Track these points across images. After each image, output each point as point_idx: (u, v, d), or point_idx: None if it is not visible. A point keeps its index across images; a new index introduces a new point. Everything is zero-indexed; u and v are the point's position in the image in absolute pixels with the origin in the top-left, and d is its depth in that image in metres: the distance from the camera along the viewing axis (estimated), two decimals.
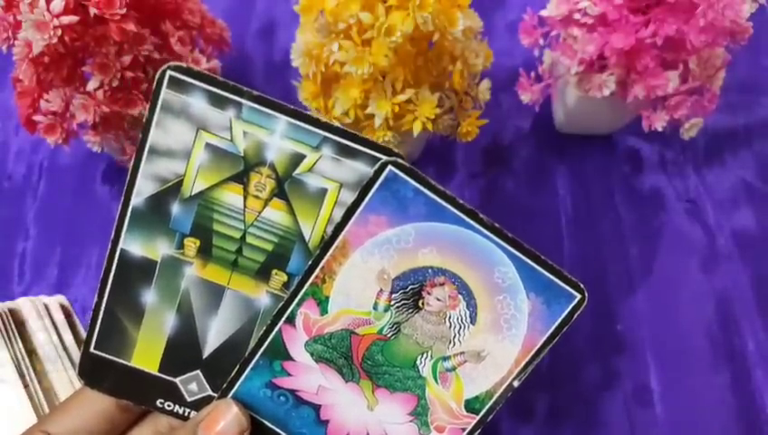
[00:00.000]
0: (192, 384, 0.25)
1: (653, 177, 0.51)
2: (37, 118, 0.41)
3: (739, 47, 0.42)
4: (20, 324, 0.40)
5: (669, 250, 0.48)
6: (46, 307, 0.41)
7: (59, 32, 0.34)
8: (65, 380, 0.40)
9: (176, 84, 0.22)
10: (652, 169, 0.52)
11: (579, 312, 0.24)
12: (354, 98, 0.38)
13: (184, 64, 0.22)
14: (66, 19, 0.34)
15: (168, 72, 0.22)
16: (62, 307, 0.41)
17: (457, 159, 0.52)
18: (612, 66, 0.42)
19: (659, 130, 0.44)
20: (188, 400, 0.25)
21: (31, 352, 0.40)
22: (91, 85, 0.40)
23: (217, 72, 0.47)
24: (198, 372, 0.25)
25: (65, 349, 0.41)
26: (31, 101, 0.41)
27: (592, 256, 0.48)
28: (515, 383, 0.25)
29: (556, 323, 0.24)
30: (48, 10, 0.34)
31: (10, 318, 0.39)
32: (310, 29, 0.38)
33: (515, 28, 0.46)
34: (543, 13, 0.43)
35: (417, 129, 0.39)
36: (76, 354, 0.41)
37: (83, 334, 0.43)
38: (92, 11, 0.35)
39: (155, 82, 0.22)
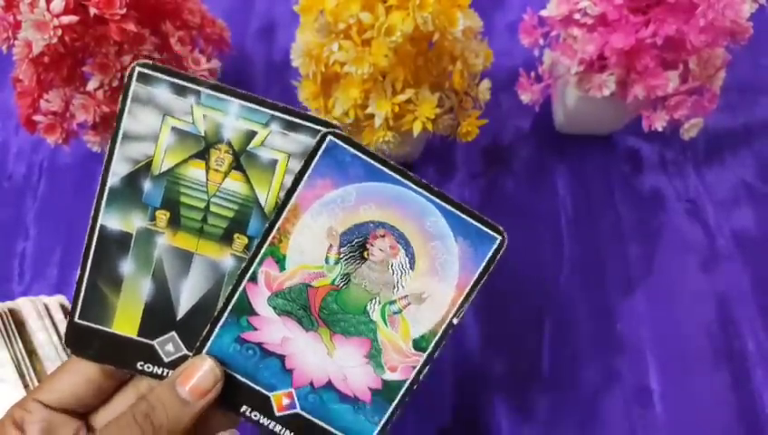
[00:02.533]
0: (168, 345, 0.27)
1: (653, 177, 0.51)
2: (37, 118, 0.41)
3: (739, 47, 0.42)
4: (20, 324, 0.40)
5: (669, 250, 0.48)
6: (46, 307, 0.41)
7: (59, 32, 0.34)
8: None
9: (143, 78, 0.26)
10: (652, 169, 0.52)
11: (501, 252, 0.27)
12: (354, 98, 0.38)
13: (149, 61, 0.26)
14: (66, 19, 0.34)
15: (137, 68, 0.25)
16: (62, 307, 0.41)
17: (457, 159, 0.52)
18: (612, 66, 0.42)
19: (659, 130, 0.44)
20: (166, 360, 0.27)
21: (31, 352, 0.40)
22: (91, 85, 0.40)
23: (217, 72, 0.47)
24: (174, 333, 0.27)
25: (65, 349, 0.41)
26: (31, 101, 0.41)
27: (592, 256, 0.48)
28: (455, 321, 0.27)
29: (483, 263, 0.27)
30: (48, 10, 0.34)
31: (10, 318, 0.39)
32: (310, 29, 0.38)
33: (515, 28, 0.46)
34: (543, 13, 0.43)
35: (417, 129, 0.39)
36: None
37: None
38: (92, 11, 0.35)
39: (126, 78, 0.26)
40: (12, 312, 0.40)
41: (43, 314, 0.41)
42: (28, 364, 0.39)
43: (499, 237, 0.27)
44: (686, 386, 0.43)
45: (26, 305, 0.40)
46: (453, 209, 0.26)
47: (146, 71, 0.26)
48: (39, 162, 0.53)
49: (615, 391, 0.43)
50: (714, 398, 0.43)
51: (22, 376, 0.39)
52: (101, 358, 0.27)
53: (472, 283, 0.27)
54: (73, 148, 0.46)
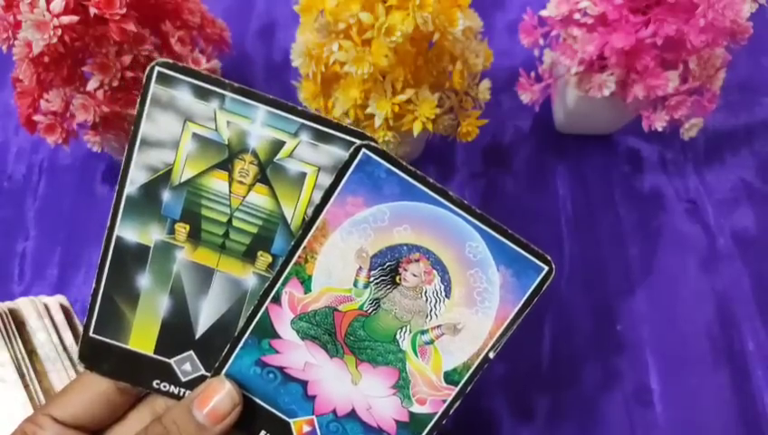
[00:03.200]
0: (186, 365, 0.26)
1: (653, 177, 0.51)
2: (37, 118, 0.41)
3: (739, 47, 0.42)
4: (20, 324, 0.40)
5: (669, 250, 0.48)
6: (46, 307, 0.41)
7: (59, 32, 0.34)
8: (65, 380, 0.40)
9: (163, 79, 0.24)
10: (652, 169, 0.52)
11: (548, 283, 0.25)
12: (354, 98, 0.38)
13: (171, 60, 0.24)
14: (66, 19, 0.34)
15: (157, 69, 0.24)
16: (62, 307, 0.41)
17: (457, 159, 0.52)
18: (612, 66, 0.42)
19: (659, 130, 0.44)
20: (183, 380, 0.26)
21: (31, 352, 0.40)
22: (90, 85, 0.40)
23: (217, 72, 0.47)
24: (191, 352, 0.26)
25: (65, 349, 0.41)
26: (31, 101, 0.41)
27: (592, 256, 0.48)
28: (491, 355, 0.25)
29: (527, 295, 0.25)
30: (48, 10, 0.34)
31: (10, 318, 0.39)
32: (310, 29, 0.38)
33: (515, 28, 0.46)
34: (543, 13, 0.43)
35: (417, 129, 0.39)
36: (76, 354, 0.41)
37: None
38: (92, 11, 0.35)
39: (144, 78, 0.24)
40: (12, 312, 0.40)
41: (43, 314, 0.41)
42: (28, 364, 0.39)
43: (546, 267, 0.25)
44: (686, 386, 0.43)
45: (26, 305, 0.40)
46: (496, 234, 0.25)
47: (166, 71, 0.24)
48: (39, 162, 0.53)
49: (615, 391, 0.43)
50: (714, 398, 0.43)
51: (22, 376, 0.39)
52: (116, 374, 0.26)
53: (513, 315, 0.25)
54: (73, 148, 0.46)
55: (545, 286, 0.25)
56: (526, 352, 0.45)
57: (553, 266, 0.24)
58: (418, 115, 0.39)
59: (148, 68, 0.24)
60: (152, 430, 0.24)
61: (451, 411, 0.26)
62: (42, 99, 0.40)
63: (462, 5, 0.38)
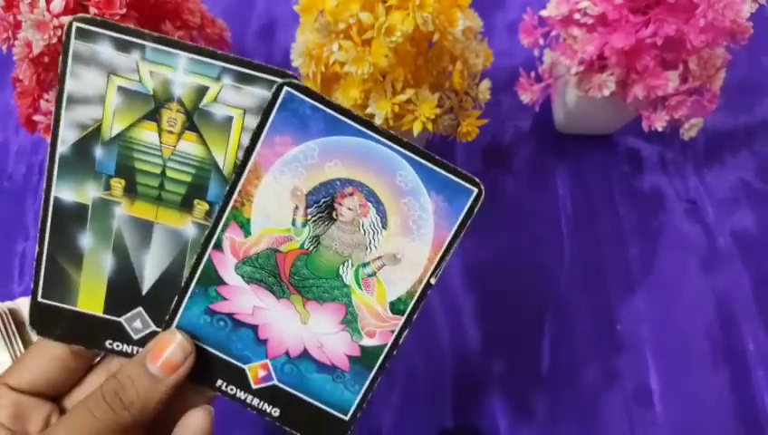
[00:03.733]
0: (136, 322, 0.26)
1: (653, 177, 0.51)
2: (37, 118, 0.41)
3: (739, 47, 0.42)
4: (20, 324, 0.40)
5: (669, 250, 0.48)
6: None
7: (59, 32, 0.34)
8: None
9: (83, 34, 0.24)
10: (652, 169, 0.52)
11: (478, 205, 0.25)
12: (354, 98, 0.38)
13: (88, 15, 0.24)
14: (66, 19, 0.34)
15: (75, 24, 0.23)
16: None
17: (457, 159, 0.52)
18: (612, 66, 0.42)
19: (659, 130, 0.44)
20: (135, 337, 0.26)
21: None
22: None
23: None
24: (140, 308, 0.26)
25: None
26: (31, 101, 0.41)
27: (592, 256, 0.48)
28: (432, 281, 0.26)
29: (459, 218, 0.25)
30: (48, 10, 0.34)
31: (10, 318, 0.39)
32: (310, 29, 0.38)
33: (515, 28, 0.46)
34: (543, 13, 0.43)
35: (417, 129, 0.39)
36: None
37: None
38: (92, 11, 0.35)
39: (64, 35, 0.24)
40: (12, 312, 0.40)
41: None
42: None
43: (475, 189, 0.25)
44: (686, 386, 0.43)
45: (26, 305, 0.40)
46: (425, 162, 0.25)
47: (85, 26, 0.23)
48: (39, 162, 0.53)
49: (615, 391, 0.43)
50: (714, 398, 0.43)
51: None
52: (68, 338, 0.26)
53: (449, 240, 0.25)
54: None
55: (476, 208, 0.25)
56: (526, 351, 0.45)
57: (482, 188, 0.25)
58: (418, 115, 0.39)
59: (65, 24, 0.23)
60: (107, 386, 0.24)
61: (400, 341, 0.26)
62: (42, 99, 0.40)
63: (462, 5, 0.38)
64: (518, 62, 0.49)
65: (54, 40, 0.34)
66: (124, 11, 0.35)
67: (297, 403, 0.27)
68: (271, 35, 0.59)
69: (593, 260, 0.48)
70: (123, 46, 0.24)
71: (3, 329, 0.38)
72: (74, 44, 0.24)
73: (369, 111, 0.39)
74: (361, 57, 0.36)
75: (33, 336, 0.40)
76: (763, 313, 0.45)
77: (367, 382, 0.27)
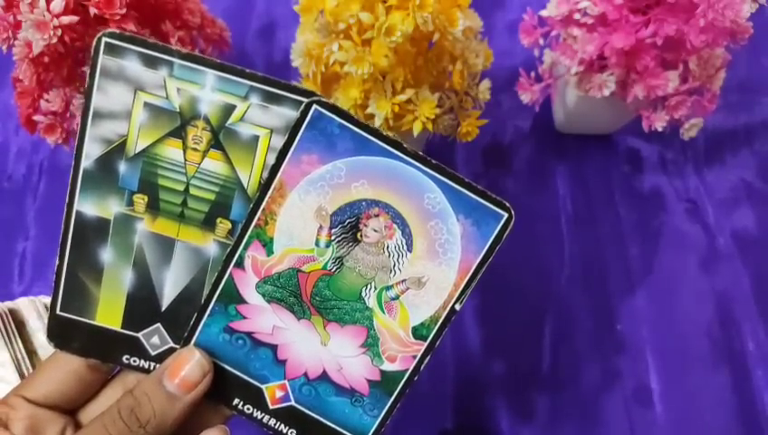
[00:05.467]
0: (154, 338, 0.26)
1: (653, 177, 0.51)
2: (37, 118, 0.41)
3: (739, 47, 0.42)
4: (20, 324, 0.40)
5: (669, 250, 0.48)
6: (46, 307, 0.41)
7: (59, 32, 0.34)
8: None
9: (111, 50, 0.24)
10: (652, 169, 0.52)
11: (508, 230, 0.24)
12: (354, 98, 0.38)
13: (117, 30, 0.24)
14: (66, 19, 0.34)
15: (104, 39, 0.24)
16: None
17: (457, 159, 0.52)
18: (612, 66, 0.42)
19: (659, 130, 0.44)
20: (152, 353, 0.26)
21: (31, 352, 0.40)
22: None
23: None
24: (159, 325, 0.26)
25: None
26: (31, 101, 0.41)
27: (592, 256, 0.48)
28: (457, 306, 0.25)
29: (488, 243, 0.25)
30: (48, 10, 0.34)
31: (10, 318, 0.39)
32: (310, 29, 0.38)
33: (515, 28, 0.46)
34: (543, 13, 0.43)
35: (417, 129, 0.39)
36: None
37: None
38: (92, 11, 0.35)
39: (92, 50, 0.24)
40: (12, 312, 0.40)
41: (43, 314, 0.41)
42: (28, 364, 0.39)
43: (505, 214, 0.24)
44: (686, 386, 0.43)
45: (26, 305, 0.40)
46: (453, 184, 0.24)
47: (114, 41, 0.23)
48: (39, 162, 0.53)
49: (615, 390, 0.43)
50: (714, 398, 0.43)
51: (22, 376, 0.39)
52: (86, 352, 0.26)
53: (476, 265, 0.25)
54: (73, 148, 0.46)
55: (506, 234, 0.25)
56: (526, 352, 0.45)
57: (512, 213, 0.24)
58: (418, 115, 0.39)
59: (95, 39, 0.23)
60: (123, 403, 0.23)
61: (422, 368, 0.26)
62: (42, 99, 0.40)
63: (462, 5, 0.38)
64: (518, 62, 0.49)
65: (54, 40, 0.34)
66: (124, 11, 0.35)
67: (314, 425, 0.26)
68: (271, 35, 0.59)
69: (593, 260, 0.48)
70: (151, 62, 0.24)
71: (3, 329, 0.38)
72: (102, 59, 0.24)
73: (369, 111, 0.39)
74: (361, 57, 0.36)
75: (34, 338, 0.40)
76: (763, 313, 0.45)
77: (386, 407, 0.26)
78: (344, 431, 0.26)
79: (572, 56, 0.42)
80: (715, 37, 0.39)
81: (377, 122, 0.39)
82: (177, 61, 0.24)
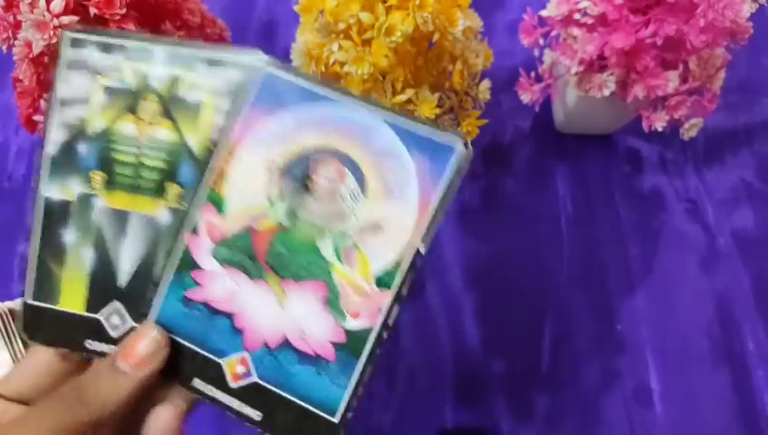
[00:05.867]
0: (114, 317, 0.25)
1: (653, 177, 0.51)
2: (37, 118, 0.41)
3: (739, 47, 0.42)
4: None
5: (669, 250, 0.48)
6: None
7: (59, 32, 0.34)
8: None
9: (75, 43, 0.26)
10: (652, 169, 0.52)
11: (465, 161, 0.23)
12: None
13: (80, 27, 0.26)
14: (66, 19, 0.34)
15: (67, 35, 0.26)
16: None
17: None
18: (612, 66, 0.42)
19: (659, 130, 0.44)
20: (113, 335, 0.25)
21: None
22: None
23: None
24: (117, 302, 0.25)
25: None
26: (31, 101, 0.41)
27: (592, 256, 0.48)
28: (421, 248, 0.23)
29: (446, 177, 0.23)
30: (48, 10, 0.34)
31: (10, 318, 0.39)
32: (310, 29, 0.38)
33: (515, 28, 0.46)
34: (543, 13, 0.43)
35: None
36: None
37: None
38: (92, 11, 0.35)
39: (59, 45, 0.26)
40: (12, 312, 0.40)
41: None
42: None
43: (459, 142, 0.23)
44: (686, 386, 0.43)
45: None
46: (402, 121, 0.23)
47: (76, 35, 0.25)
48: None
49: (615, 390, 0.43)
50: (714, 398, 0.43)
51: None
52: (53, 340, 0.25)
53: (437, 202, 0.23)
54: None
55: (463, 164, 0.23)
56: (526, 352, 0.45)
57: (468, 141, 0.23)
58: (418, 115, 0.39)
59: (59, 36, 0.26)
60: (68, 384, 0.22)
61: (390, 321, 0.23)
62: (42, 99, 0.40)
63: (462, 5, 0.38)
64: (518, 62, 0.49)
65: (54, 40, 0.34)
66: (124, 11, 0.35)
67: (280, 404, 0.24)
68: (271, 35, 0.59)
69: (593, 260, 0.48)
70: (109, 49, 0.25)
71: (3, 329, 0.38)
72: (66, 52, 0.26)
73: None
74: (361, 57, 0.36)
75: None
76: (763, 313, 0.45)
77: (355, 374, 0.24)
78: (313, 408, 0.24)
79: (572, 56, 0.42)
80: (715, 37, 0.39)
81: None
82: (131, 43, 0.25)
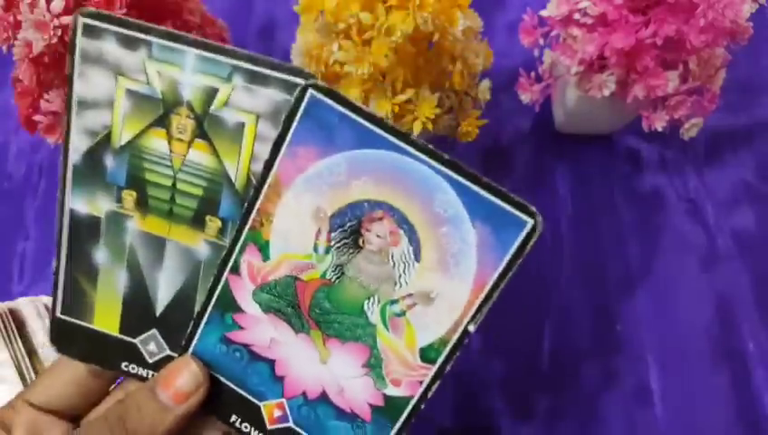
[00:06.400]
0: (151, 344, 0.25)
1: (653, 177, 0.51)
2: (37, 118, 0.41)
3: (739, 47, 0.42)
4: (20, 324, 0.40)
5: (669, 250, 0.48)
6: (46, 307, 0.41)
7: (59, 32, 0.34)
8: None
9: (90, 32, 0.22)
10: (652, 169, 0.52)
11: (533, 240, 0.21)
12: (354, 98, 0.38)
13: (94, 9, 0.22)
14: (66, 19, 0.34)
15: (81, 20, 0.22)
16: None
17: (457, 159, 0.52)
18: (612, 66, 0.42)
19: (659, 130, 0.44)
20: (149, 361, 0.25)
21: (31, 352, 0.40)
22: None
23: None
24: (155, 330, 0.25)
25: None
26: (31, 101, 0.41)
27: (592, 256, 0.48)
28: (471, 327, 0.22)
29: (509, 255, 0.21)
30: (48, 10, 0.34)
31: (10, 318, 0.39)
32: (310, 29, 0.38)
33: (515, 28, 0.46)
34: (543, 13, 0.43)
35: (417, 129, 0.39)
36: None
37: None
38: None
39: (70, 32, 0.22)
40: (12, 312, 0.40)
41: (43, 314, 0.41)
42: (28, 364, 0.39)
43: (530, 221, 0.21)
44: (686, 386, 0.43)
45: (26, 305, 0.40)
46: (470, 184, 0.21)
47: (91, 21, 0.22)
48: (39, 162, 0.53)
49: (615, 391, 0.43)
50: (714, 398, 0.43)
51: (22, 376, 0.39)
52: (86, 357, 0.25)
53: (493, 280, 0.21)
54: None
55: (530, 244, 0.21)
56: (526, 352, 0.45)
57: (539, 220, 0.21)
58: (418, 115, 0.39)
59: (72, 19, 0.22)
60: (112, 411, 0.23)
61: (429, 394, 0.23)
62: (42, 99, 0.40)
63: (462, 5, 0.38)
64: (518, 62, 0.49)
65: (54, 40, 0.34)
66: (124, 11, 0.35)
67: None
68: (271, 35, 0.59)
69: (593, 260, 0.48)
70: (129, 43, 0.22)
71: (3, 329, 0.38)
72: (81, 42, 0.22)
73: None
74: (361, 57, 0.36)
75: (34, 338, 0.40)
76: (763, 313, 0.45)
77: None
78: None
79: (572, 56, 0.42)
80: (715, 37, 0.39)
81: None
82: (155, 40, 0.22)
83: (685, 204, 0.50)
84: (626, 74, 0.42)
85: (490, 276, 0.21)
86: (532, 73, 0.47)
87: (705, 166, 0.52)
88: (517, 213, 0.21)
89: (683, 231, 0.49)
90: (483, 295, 0.22)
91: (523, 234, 0.21)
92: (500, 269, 0.21)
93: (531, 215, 0.21)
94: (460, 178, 0.21)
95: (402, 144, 0.21)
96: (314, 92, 0.21)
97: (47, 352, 0.40)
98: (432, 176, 0.21)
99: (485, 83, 0.42)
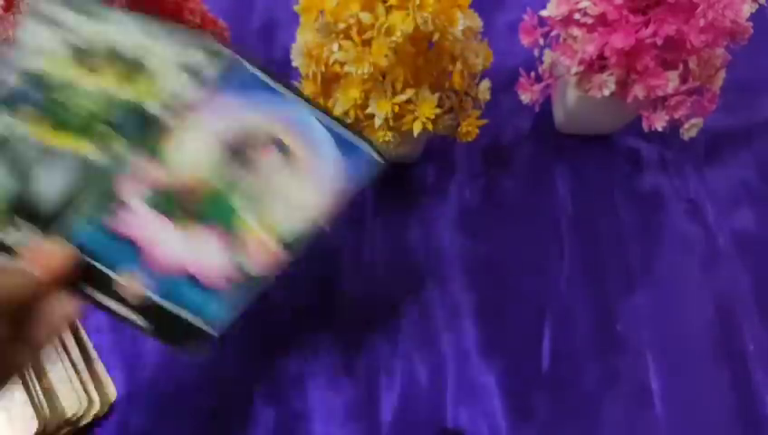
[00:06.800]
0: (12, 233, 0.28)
1: (653, 177, 0.51)
2: None
3: (739, 47, 0.42)
4: None
5: (669, 250, 0.48)
6: None
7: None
8: (65, 380, 0.40)
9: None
10: (652, 169, 0.52)
11: (376, 167, 0.29)
12: (354, 98, 0.38)
13: None
14: None
15: None
16: None
17: (457, 159, 0.52)
18: (612, 66, 0.42)
19: (659, 130, 0.44)
20: (10, 244, 0.28)
21: None
22: None
23: None
24: (16, 217, 0.28)
25: (65, 349, 0.41)
26: None
27: (592, 255, 0.48)
28: (324, 224, 0.29)
29: (357, 174, 0.29)
30: None
31: None
32: (310, 29, 0.38)
33: (515, 28, 0.46)
34: (543, 13, 0.43)
35: (417, 129, 0.39)
36: (76, 354, 0.41)
37: (84, 335, 0.43)
38: None
39: None
40: None
41: None
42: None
43: (373, 152, 0.28)
44: (686, 386, 0.43)
45: None
46: (331, 121, 0.28)
47: None
48: None
49: (615, 391, 0.43)
50: (714, 398, 0.43)
51: (22, 376, 0.39)
52: None
53: (345, 192, 0.28)
54: None
55: (372, 169, 0.29)
56: (526, 351, 0.45)
57: (380, 152, 0.29)
58: (418, 115, 0.39)
59: None
60: None
61: (282, 273, 0.29)
62: None
63: (462, 5, 0.38)
64: (518, 62, 0.49)
65: None
66: None
67: (170, 316, 0.28)
68: (271, 35, 0.59)
69: (593, 260, 0.48)
70: (82, 10, 0.27)
71: None
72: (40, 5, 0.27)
73: (369, 111, 0.39)
74: (361, 57, 0.36)
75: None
76: (763, 313, 0.45)
77: (241, 306, 0.29)
78: (196, 322, 0.29)
79: (572, 56, 0.42)
80: (715, 37, 0.39)
81: (377, 122, 0.39)
82: (103, 12, 0.28)
83: (685, 204, 0.50)
84: (626, 74, 0.42)
85: (344, 189, 0.29)
86: (532, 73, 0.47)
87: (705, 166, 0.52)
88: (363, 145, 0.29)
89: (683, 231, 0.49)
90: (335, 201, 0.29)
91: (367, 160, 0.29)
92: (351, 185, 0.29)
93: (372, 148, 0.29)
94: (324, 116, 0.29)
95: (287, 92, 0.28)
96: (236, 58, 0.28)
97: (47, 351, 0.40)
98: (306, 115, 0.29)
99: (485, 83, 0.42)
